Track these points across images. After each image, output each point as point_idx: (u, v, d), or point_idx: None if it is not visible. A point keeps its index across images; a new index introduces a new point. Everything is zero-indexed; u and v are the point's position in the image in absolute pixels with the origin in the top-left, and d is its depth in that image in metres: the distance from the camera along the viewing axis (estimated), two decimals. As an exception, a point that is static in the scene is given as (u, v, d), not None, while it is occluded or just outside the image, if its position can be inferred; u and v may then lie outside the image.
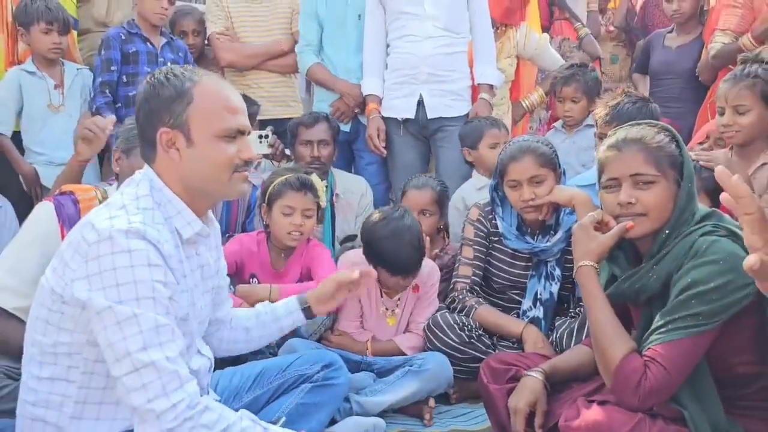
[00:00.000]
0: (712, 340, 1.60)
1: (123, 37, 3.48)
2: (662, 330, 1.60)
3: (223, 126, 1.58)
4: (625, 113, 2.67)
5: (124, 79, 3.49)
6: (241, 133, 1.62)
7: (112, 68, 3.46)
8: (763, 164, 2.64)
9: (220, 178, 1.60)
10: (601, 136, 2.83)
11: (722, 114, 2.72)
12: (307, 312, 1.99)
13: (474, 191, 3.20)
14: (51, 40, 3.41)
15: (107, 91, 3.45)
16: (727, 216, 1.78)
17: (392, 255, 2.45)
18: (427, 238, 2.71)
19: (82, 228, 1.51)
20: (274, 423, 1.71)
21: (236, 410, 1.70)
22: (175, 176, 1.59)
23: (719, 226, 1.67)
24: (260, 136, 3.17)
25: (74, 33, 3.75)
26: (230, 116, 1.60)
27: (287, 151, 3.55)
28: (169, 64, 3.55)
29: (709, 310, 1.57)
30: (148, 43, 3.52)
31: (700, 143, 3.05)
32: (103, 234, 1.45)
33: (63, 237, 1.97)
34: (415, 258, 2.48)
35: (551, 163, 2.48)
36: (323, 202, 2.75)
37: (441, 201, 2.94)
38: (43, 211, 2.13)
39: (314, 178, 2.72)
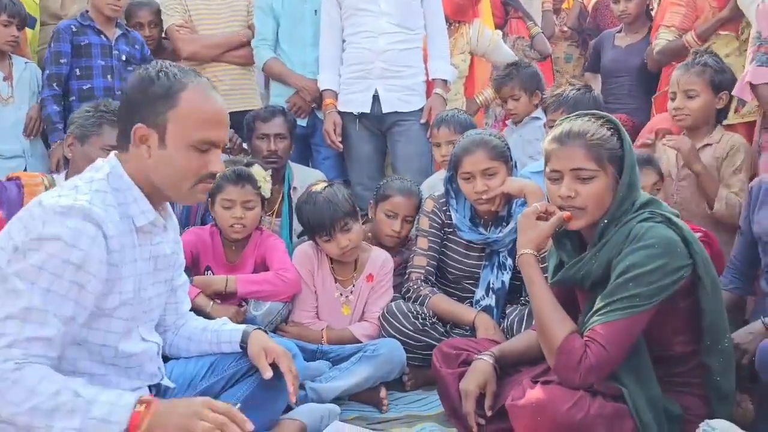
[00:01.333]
0: (648, 320, 1.68)
1: (74, 30, 3.45)
2: (602, 311, 1.68)
3: (199, 137, 1.59)
4: (570, 99, 2.92)
5: (78, 72, 3.46)
6: (215, 146, 1.63)
7: (62, 61, 3.42)
8: (706, 145, 2.86)
9: (181, 186, 1.63)
10: (550, 124, 2.96)
11: (674, 99, 2.90)
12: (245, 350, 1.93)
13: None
14: (9, 32, 3.38)
15: (55, 84, 3.42)
16: (665, 204, 1.87)
17: (311, 214, 2.57)
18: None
19: (32, 205, 1.53)
20: None
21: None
22: (140, 169, 1.62)
23: (656, 213, 1.76)
24: None
25: (26, 28, 3.70)
26: (209, 129, 1.61)
27: (244, 145, 3.56)
28: (124, 57, 3.53)
29: (645, 292, 1.65)
30: (102, 36, 3.49)
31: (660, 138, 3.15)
32: (48, 209, 1.48)
33: None
34: (331, 210, 2.54)
35: (503, 156, 2.55)
36: (266, 192, 2.76)
37: (419, 207, 2.94)
38: None
39: (255, 169, 2.74)
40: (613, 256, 1.73)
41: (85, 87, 3.44)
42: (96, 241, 1.49)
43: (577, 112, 1.91)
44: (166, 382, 1.85)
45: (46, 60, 3.47)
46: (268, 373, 1.81)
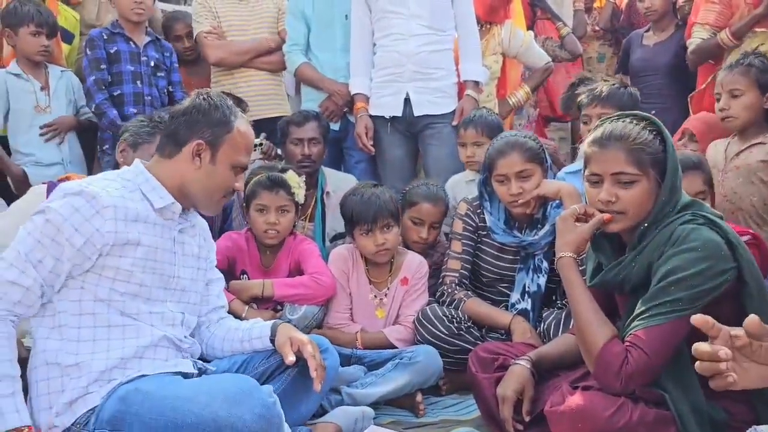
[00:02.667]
0: (691, 325, 1.64)
1: (105, 37, 3.52)
2: (643, 316, 1.65)
3: (240, 161, 1.94)
4: (604, 94, 2.86)
5: (109, 78, 3.51)
6: (244, 169, 1.97)
7: (102, 66, 3.48)
8: (757, 143, 2.80)
9: (213, 196, 1.94)
10: (584, 119, 2.92)
11: (719, 100, 2.86)
12: (274, 342, 2.03)
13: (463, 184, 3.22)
14: (40, 42, 3.44)
15: (104, 88, 3.47)
16: (707, 205, 1.83)
17: (356, 205, 2.62)
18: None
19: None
20: None
21: None
22: (176, 176, 1.89)
23: (698, 215, 1.72)
24: (254, 145, 3.21)
25: (59, 38, 3.77)
26: (246, 155, 1.96)
27: (279, 151, 3.58)
28: (152, 63, 3.59)
29: (688, 296, 1.61)
30: (131, 43, 3.55)
31: (678, 140, 3.12)
32: (58, 191, 1.76)
33: None
34: (377, 204, 2.59)
35: (538, 158, 2.52)
36: (300, 197, 2.78)
37: (447, 212, 2.95)
38: (35, 190, 2.42)
39: (289, 174, 2.76)
40: (654, 259, 1.70)
41: (115, 93, 3.50)
42: (81, 212, 1.72)
43: (618, 113, 1.88)
44: (207, 366, 1.96)
45: (86, 67, 3.52)
46: (290, 358, 1.91)
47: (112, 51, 3.51)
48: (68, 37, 3.88)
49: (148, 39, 3.62)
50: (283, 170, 2.79)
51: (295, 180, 2.75)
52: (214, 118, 1.89)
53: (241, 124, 1.94)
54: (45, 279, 1.71)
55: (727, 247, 1.66)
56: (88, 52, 3.50)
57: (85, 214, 1.72)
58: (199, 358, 1.99)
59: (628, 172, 1.74)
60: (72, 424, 1.71)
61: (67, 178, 2.42)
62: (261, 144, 3.27)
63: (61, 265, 1.72)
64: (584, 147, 1.85)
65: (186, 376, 1.83)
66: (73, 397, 1.72)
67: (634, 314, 1.68)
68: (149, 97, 3.55)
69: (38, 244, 1.70)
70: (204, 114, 1.90)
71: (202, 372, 1.92)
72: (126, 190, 1.83)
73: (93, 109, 3.49)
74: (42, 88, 3.54)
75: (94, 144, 3.76)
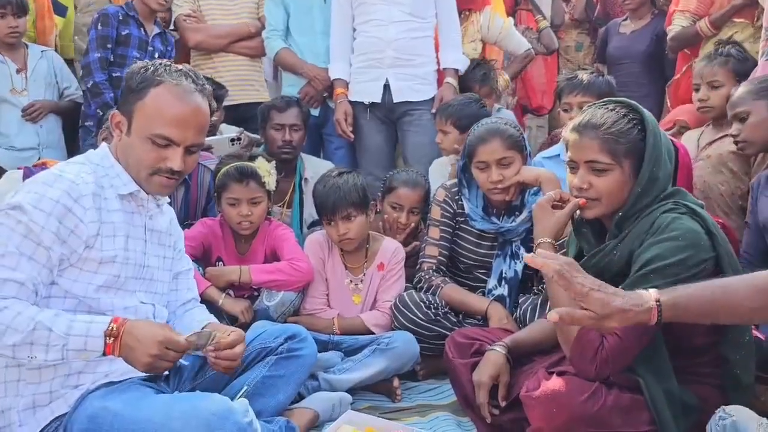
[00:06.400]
0: None
1: (120, 18, 3.43)
2: None
3: (157, 131, 1.73)
4: (584, 82, 2.89)
5: (112, 59, 3.44)
6: (176, 144, 1.74)
7: (108, 46, 3.41)
8: (729, 134, 2.73)
9: (139, 172, 1.78)
10: (565, 108, 2.96)
11: (698, 90, 2.88)
12: None
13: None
14: (6, 24, 3.37)
15: (106, 67, 3.40)
16: (690, 194, 1.84)
17: (318, 194, 2.63)
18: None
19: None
20: (239, 395, 1.74)
21: (202, 383, 1.77)
22: (118, 151, 1.80)
23: (680, 204, 1.72)
24: (232, 140, 3.21)
25: (50, 11, 3.68)
26: (168, 126, 1.73)
27: (258, 136, 3.55)
28: (157, 54, 3.54)
29: (667, 284, 1.60)
30: (142, 29, 3.49)
31: (668, 129, 3.15)
32: (37, 179, 1.69)
33: None
34: (337, 195, 2.57)
35: (518, 145, 2.52)
36: (271, 185, 2.73)
37: (428, 198, 2.95)
38: (10, 176, 2.33)
39: (259, 162, 2.71)
40: (635, 247, 1.71)
41: (114, 74, 3.43)
42: (59, 203, 1.64)
43: (605, 99, 1.87)
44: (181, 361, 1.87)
45: (92, 41, 3.42)
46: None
47: (123, 33, 3.45)
48: (61, 10, 3.78)
49: (157, 30, 3.56)
50: (252, 158, 2.74)
51: (265, 167, 2.71)
52: (131, 86, 1.76)
53: (163, 90, 1.73)
54: (39, 274, 1.62)
55: (707, 237, 1.67)
56: (100, 28, 3.41)
57: (67, 204, 1.64)
58: None
59: (600, 161, 1.75)
60: None
61: (43, 164, 2.36)
62: (239, 139, 3.22)
63: (54, 256, 1.63)
64: (564, 133, 1.86)
65: (157, 378, 1.78)
66: (37, 403, 1.64)
67: None
68: None
69: (25, 240, 1.60)
70: (126, 81, 1.78)
71: (174, 371, 1.87)
72: (97, 175, 1.75)
73: (89, 86, 3.40)
74: (18, 71, 3.47)
75: (77, 127, 3.69)
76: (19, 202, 1.62)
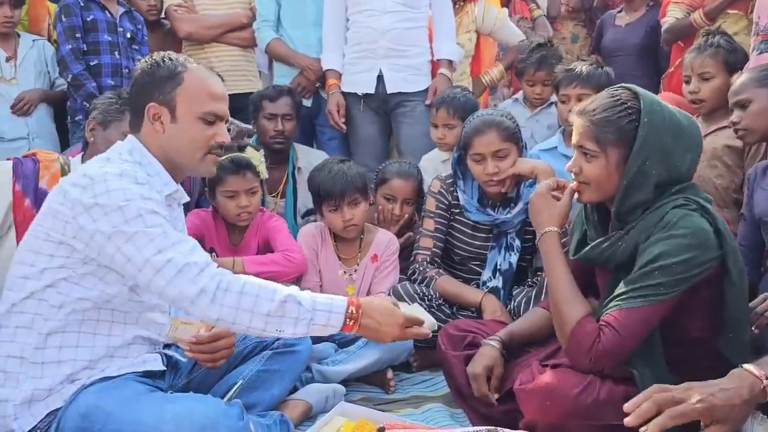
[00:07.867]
0: (669, 308, 1.64)
1: (81, 4, 3.39)
2: (622, 297, 1.64)
3: (205, 109, 1.78)
4: (583, 73, 2.88)
5: (85, 47, 3.39)
6: (220, 119, 1.81)
7: (77, 35, 3.35)
8: (724, 127, 2.73)
9: (194, 155, 1.80)
10: (562, 99, 2.95)
11: (688, 82, 2.84)
12: None
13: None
14: (2, 13, 3.33)
15: (81, 58, 3.35)
16: (702, 192, 1.81)
17: (323, 181, 2.61)
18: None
19: (68, 180, 1.67)
20: (234, 389, 1.73)
21: (196, 377, 1.75)
22: (156, 146, 1.78)
23: (691, 200, 1.69)
24: None
25: (48, 3, 3.64)
26: (212, 102, 1.79)
27: (250, 127, 3.52)
28: (128, 34, 3.49)
29: (669, 282, 1.60)
30: (106, 12, 3.44)
31: None
32: (98, 177, 1.62)
33: (14, 190, 2.16)
34: (344, 180, 2.58)
35: (514, 138, 2.51)
36: (264, 173, 2.73)
37: (421, 189, 2.94)
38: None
39: (250, 152, 2.71)
40: (642, 240, 1.68)
41: (92, 63, 3.38)
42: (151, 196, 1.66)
43: (614, 86, 1.85)
44: (178, 355, 1.88)
45: (60, 34, 3.37)
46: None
47: (88, 19, 3.38)
48: None
49: (122, 9, 3.51)
50: (241, 148, 2.73)
51: (257, 156, 2.71)
52: (159, 76, 1.77)
53: (194, 72, 1.79)
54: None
55: (715, 235, 1.64)
56: (63, 19, 3.35)
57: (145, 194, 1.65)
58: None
59: (587, 147, 1.74)
60: (31, 430, 1.61)
61: (33, 155, 2.31)
62: (228, 130, 3.18)
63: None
64: (571, 118, 1.86)
65: (154, 373, 1.77)
66: (34, 398, 1.62)
67: (614, 294, 1.67)
68: (126, 69, 3.43)
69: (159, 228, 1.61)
70: (149, 75, 1.78)
71: (171, 365, 1.87)
72: (143, 171, 1.73)
73: (70, 80, 3.35)
74: (8, 59, 3.43)
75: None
76: (127, 203, 1.60)
